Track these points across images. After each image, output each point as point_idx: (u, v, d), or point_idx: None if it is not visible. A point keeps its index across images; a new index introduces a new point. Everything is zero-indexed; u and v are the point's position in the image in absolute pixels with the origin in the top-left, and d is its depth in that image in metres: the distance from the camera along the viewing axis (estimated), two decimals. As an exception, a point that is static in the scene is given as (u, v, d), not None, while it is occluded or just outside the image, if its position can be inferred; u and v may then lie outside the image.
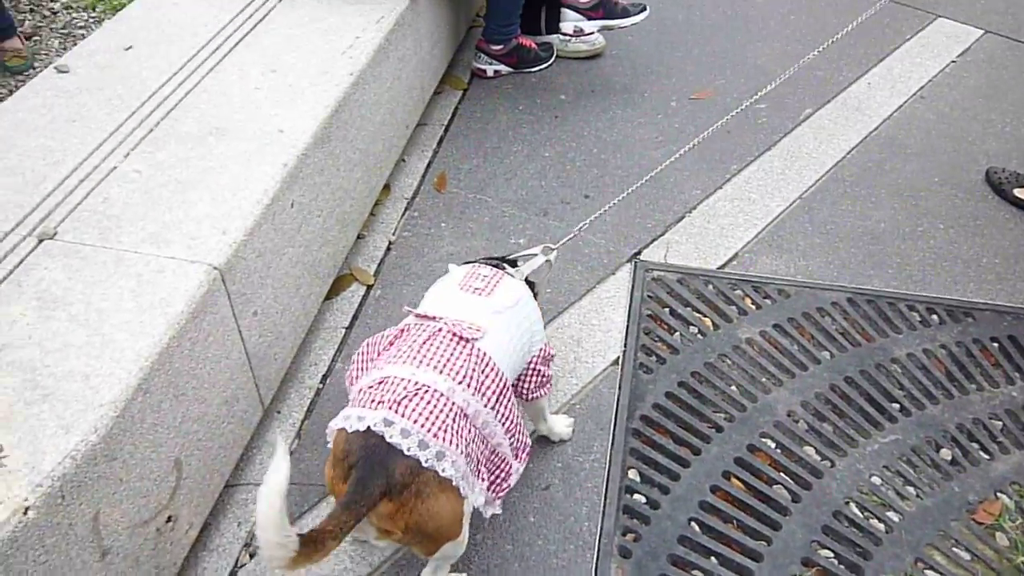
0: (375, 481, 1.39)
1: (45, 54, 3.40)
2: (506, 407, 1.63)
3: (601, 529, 1.88)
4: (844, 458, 2.03)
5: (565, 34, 3.34)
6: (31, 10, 3.65)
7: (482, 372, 1.58)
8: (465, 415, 1.52)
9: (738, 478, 1.99)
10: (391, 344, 1.66)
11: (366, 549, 1.84)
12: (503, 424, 1.61)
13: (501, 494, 1.65)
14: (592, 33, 3.30)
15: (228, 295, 1.76)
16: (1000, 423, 2.11)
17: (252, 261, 1.84)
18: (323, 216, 2.19)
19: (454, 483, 1.45)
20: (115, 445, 1.45)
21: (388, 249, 2.57)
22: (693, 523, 1.90)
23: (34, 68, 3.29)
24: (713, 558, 1.84)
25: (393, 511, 1.41)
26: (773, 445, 2.05)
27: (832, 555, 1.84)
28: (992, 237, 2.65)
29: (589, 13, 3.12)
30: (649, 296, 2.42)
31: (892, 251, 2.59)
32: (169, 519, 1.65)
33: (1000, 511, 1.93)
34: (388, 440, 1.41)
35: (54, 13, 3.65)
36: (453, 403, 1.50)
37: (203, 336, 1.68)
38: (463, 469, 1.48)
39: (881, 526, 1.90)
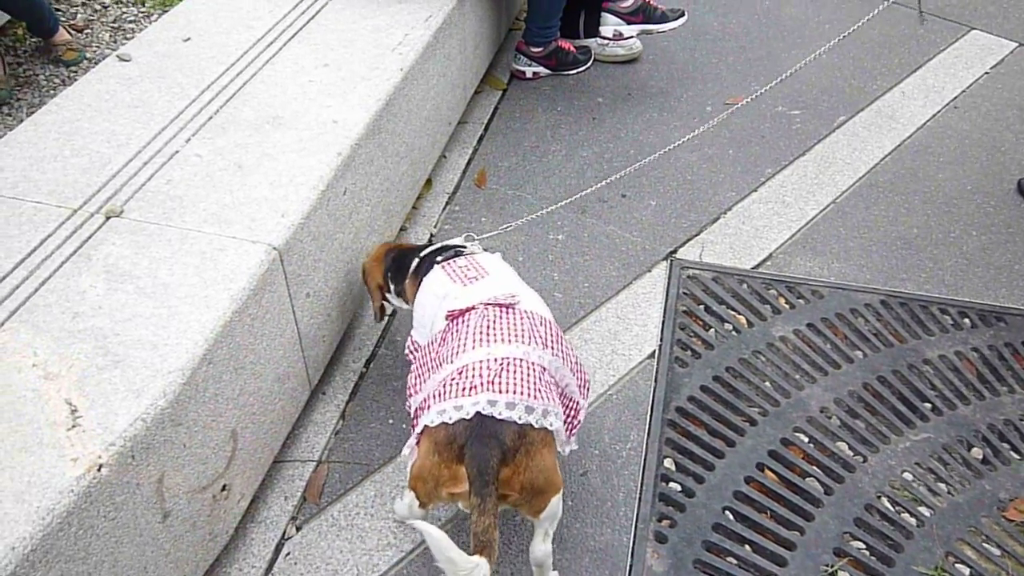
0: (492, 454, 1.44)
1: (96, 46, 3.50)
2: (565, 351, 1.71)
3: (637, 514, 1.93)
4: (876, 454, 2.06)
5: (604, 38, 3.40)
6: (83, 4, 3.76)
7: (538, 327, 1.66)
8: (544, 369, 1.59)
9: (771, 470, 2.03)
10: (443, 342, 1.69)
11: (406, 528, 1.90)
12: (568, 366, 1.69)
13: (574, 431, 1.74)
14: (631, 37, 3.36)
15: (285, 275, 1.82)
16: (1031, 425, 2.15)
17: (307, 244, 1.91)
18: (371, 205, 2.26)
19: (555, 435, 1.53)
20: (181, 411, 1.52)
21: (430, 241, 2.63)
22: (727, 511, 1.94)
23: (87, 60, 3.39)
24: (747, 545, 1.88)
25: (510, 475, 1.47)
26: (806, 439, 2.09)
27: (864, 547, 1.88)
28: (1024, 245, 2.68)
29: (629, 18, 3.18)
30: (684, 293, 2.47)
31: (925, 256, 2.63)
32: (224, 488, 1.72)
33: (1030, 509, 1.96)
34: (499, 418, 1.46)
35: (104, 7, 3.75)
36: (532, 363, 1.57)
37: (262, 313, 1.75)
38: (563, 418, 1.58)
39: (913, 520, 1.94)
